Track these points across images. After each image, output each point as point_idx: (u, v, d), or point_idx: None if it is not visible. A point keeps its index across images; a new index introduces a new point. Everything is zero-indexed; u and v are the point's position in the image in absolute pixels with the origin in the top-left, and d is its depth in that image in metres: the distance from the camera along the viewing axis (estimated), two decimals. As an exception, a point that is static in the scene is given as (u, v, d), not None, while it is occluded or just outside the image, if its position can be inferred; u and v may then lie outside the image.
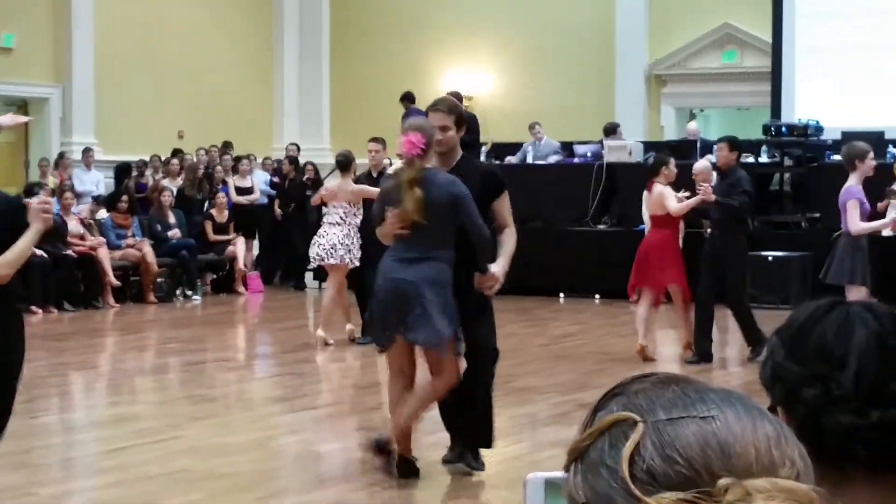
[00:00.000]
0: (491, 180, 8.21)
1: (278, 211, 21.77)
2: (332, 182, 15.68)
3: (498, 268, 7.98)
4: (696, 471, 1.15)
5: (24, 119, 9.05)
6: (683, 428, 1.18)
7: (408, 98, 21.38)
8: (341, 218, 14.50)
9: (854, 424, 1.77)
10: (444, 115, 8.03)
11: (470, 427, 8.22)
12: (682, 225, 13.74)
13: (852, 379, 1.80)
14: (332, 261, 14.46)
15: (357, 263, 14.26)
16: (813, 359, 1.83)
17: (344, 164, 14.71)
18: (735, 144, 13.66)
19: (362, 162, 15.62)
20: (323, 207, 15.09)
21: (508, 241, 8.17)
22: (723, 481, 1.14)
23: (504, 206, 8.22)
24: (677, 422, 1.18)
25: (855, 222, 11.60)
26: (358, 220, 14.44)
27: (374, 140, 14.66)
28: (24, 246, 6.23)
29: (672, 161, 13.52)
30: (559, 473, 1.38)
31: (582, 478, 1.21)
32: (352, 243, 14.41)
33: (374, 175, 14.15)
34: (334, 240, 14.46)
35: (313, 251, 14.72)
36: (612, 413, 1.22)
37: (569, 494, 1.23)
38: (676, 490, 1.14)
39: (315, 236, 14.87)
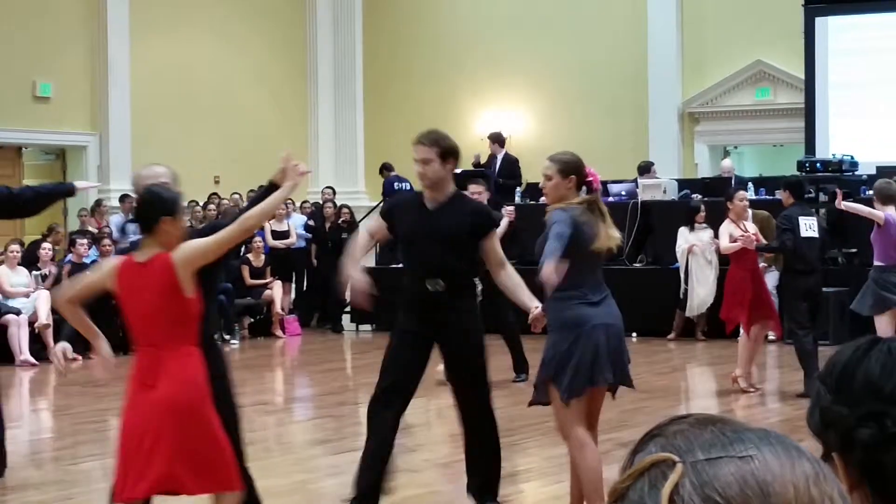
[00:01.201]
0: (481, 217, 8.07)
1: (314, 259, 21.88)
2: None
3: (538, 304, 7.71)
4: None
5: (93, 185, 9.32)
6: (722, 468, 1.19)
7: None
8: None
9: None
10: (427, 148, 7.87)
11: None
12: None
13: None
14: None
15: None
16: (862, 398, 1.81)
17: None
18: (786, 185, 13.89)
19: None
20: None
21: (519, 278, 7.95)
22: (761, 520, 1.16)
23: (497, 243, 8.01)
24: (716, 462, 1.20)
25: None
26: None
27: (476, 182, 13.78)
28: (275, 200, 6.33)
29: (740, 194, 13.90)
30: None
31: (623, 519, 1.23)
32: None
33: None
34: None
35: None
36: (651, 454, 1.24)
37: (610, 535, 1.25)
38: None
39: None
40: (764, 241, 13.82)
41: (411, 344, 7.87)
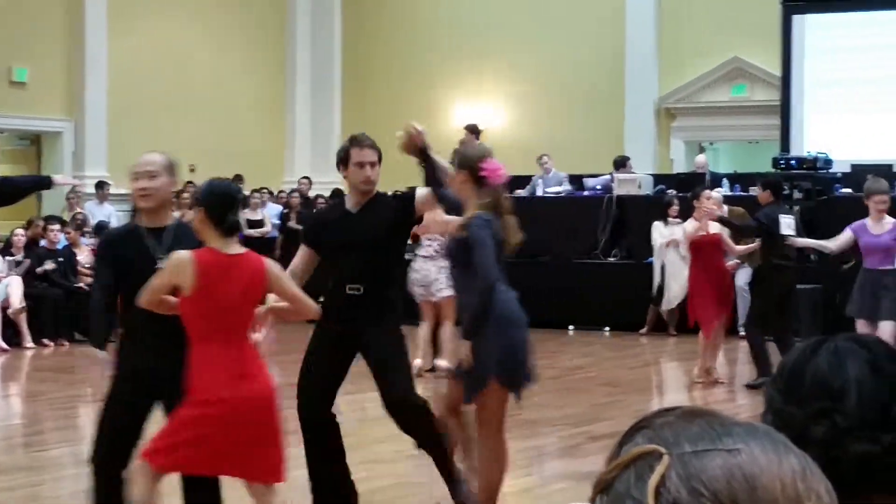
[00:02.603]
0: (400, 200, 7.96)
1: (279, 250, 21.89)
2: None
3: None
4: (721, 503, 1.17)
5: (74, 182, 9.24)
6: (709, 461, 1.19)
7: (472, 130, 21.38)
8: (435, 251, 13.73)
9: (868, 452, 1.78)
10: (374, 151, 7.82)
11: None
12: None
13: (856, 408, 1.81)
14: (432, 298, 13.79)
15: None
16: (812, 397, 1.84)
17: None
18: (765, 184, 13.88)
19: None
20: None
21: None
22: (748, 514, 1.15)
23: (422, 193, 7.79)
24: (703, 454, 1.20)
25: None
26: None
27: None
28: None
29: (706, 192, 13.92)
30: (581, 505, 1.40)
31: (607, 510, 1.23)
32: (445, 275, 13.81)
33: None
34: (432, 275, 13.81)
35: (416, 289, 14.03)
36: (638, 446, 1.24)
37: (595, 526, 1.25)
38: None
39: (412, 273, 13.98)
40: (732, 245, 13.94)
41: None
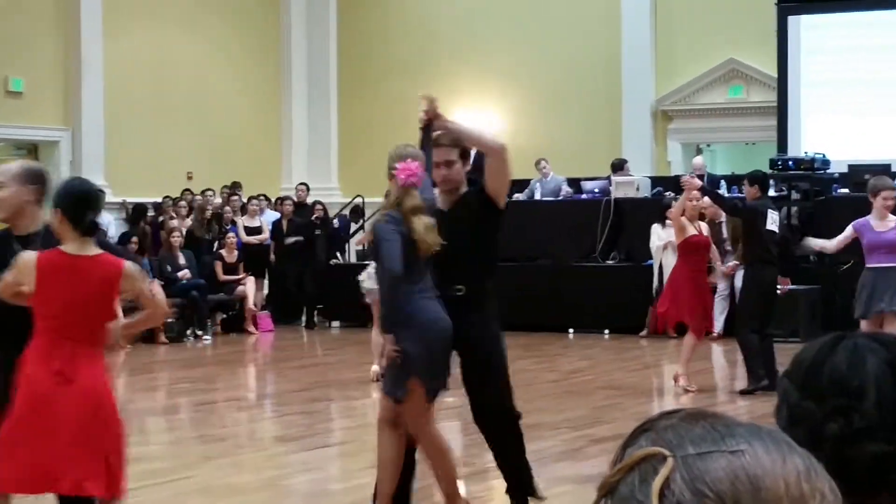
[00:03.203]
0: (482, 192, 7.76)
1: (273, 256, 21.94)
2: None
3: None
4: None
5: None
6: (713, 462, 1.19)
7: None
8: None
9: (885, 452, 1.77)
10: (448, 149, 7.71)
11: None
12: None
13: (874, 408, 1.80)
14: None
15: None
16: (829, 394, 1.82)
17: None
18: (752, 180, 13.82)
19: (370, 201, 15.62)
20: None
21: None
22: (752, 514, 1.15)
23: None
24: (707, 456, 1.20)
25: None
26: None
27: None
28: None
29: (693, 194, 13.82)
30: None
31: (612, 513, 1.23)
32: None
33: None
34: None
35: (367, 284, 14.21)
36: (642, 448, 1.24)
37: (599, 529, 1.25)
38: None
39: (364, 273, 14.37)
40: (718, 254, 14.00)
41: None
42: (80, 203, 6.17)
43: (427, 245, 7.22)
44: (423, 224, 7.21)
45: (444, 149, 7.71)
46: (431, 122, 7.66)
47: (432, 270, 7.45)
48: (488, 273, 7.72)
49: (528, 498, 7.90)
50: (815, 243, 13.47)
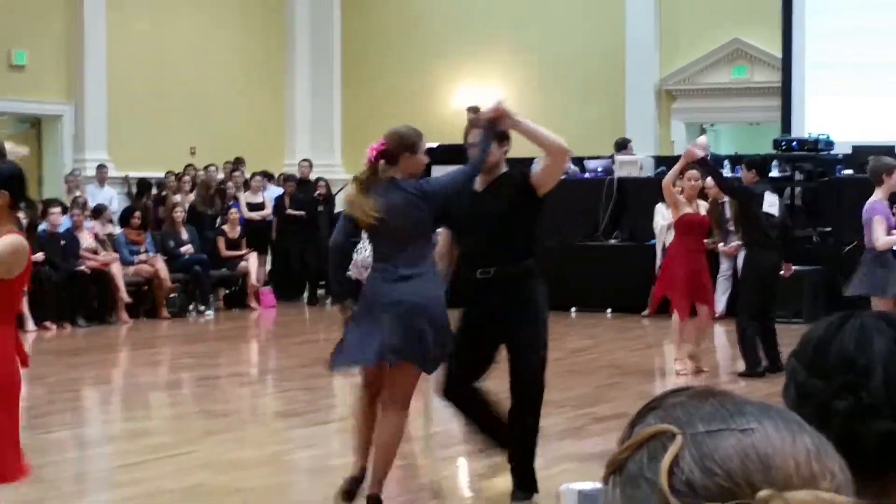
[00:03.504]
0: (524, 178, 7.85)
1: (274, 233, 21.95)
2: None
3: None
4: (735, 483, 1.16)
5: (23, 151, 8.92)
6: (723, 440, 1.19)
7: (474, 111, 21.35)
8: None
9: (892, 430, 1.78)
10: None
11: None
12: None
13: (882, 387, 1.80)
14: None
15: None
16: (837, 371, 1.83)
17: None
18: (750, 164, 13.76)
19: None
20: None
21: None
22: (763, 493, 1.15)
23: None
24: (716, 434, 1.19)
25: (879, 237, 11.60)
26: None
27: None
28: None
29: (689, 173, 13.63)
30: (591, 485, 1.40)
31: (620, 491, 1.22)
32: None
33: None
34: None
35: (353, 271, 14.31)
36: (650, 426, 1.24)
37: (607, 507, 1.25)
38: (716, 502, 1.15)
39: (354, 253, 14.46)
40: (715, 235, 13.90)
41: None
42: (23, 185, 6.10)
43: (361, 223, 7.55)
44: (357, 202, 7.42)
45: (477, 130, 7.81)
46: (497, 119, 7.69)
47: (469, 251, 7.59)
48: (521, 256, 7.72)
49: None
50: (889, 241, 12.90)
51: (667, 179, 13.39)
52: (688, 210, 13.38)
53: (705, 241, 13.95)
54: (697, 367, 13.42)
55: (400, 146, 7.50)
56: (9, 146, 8.43)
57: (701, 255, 13.54)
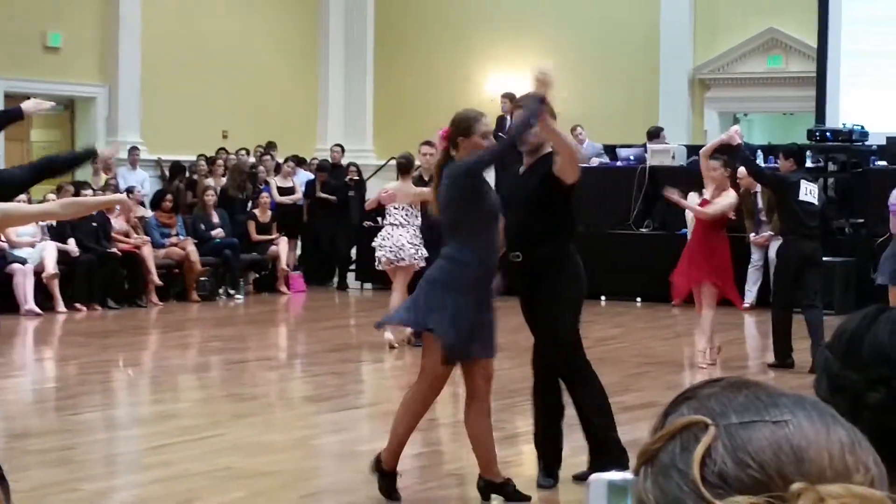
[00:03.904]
0: (550, 170, 7.84)
1: (305, 216, 21.98)
2: (392, 184, 15.33)
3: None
4: (768, 475, 1.15)
5: (47, 105, 8.90)
6: (756, 432, 1.17)
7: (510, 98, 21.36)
8: (404, 219, 14.30)
9: None
10: None
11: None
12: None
13: None
14: (401, 263, 14.18)
15: (423, 263, 13.73)
16: (871, 364, 1.82)
17: (405, 166, 14.44)
18: (788, 153, 13.66)
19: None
20: (386, 209, 14.82)
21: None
22: (796, 486, 1.13)
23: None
24: (750, 426, 1.18)
25: None
26: (419, 222, 14.34)
27: (427, 143, 14.06)
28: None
29: (711, 164, 13.50)
30: (620, 475, 1.38)
31: (652, 481, 1.21)
32: (419, 243, 14.21)
33: (426, 179, 13.54)
34: (402, 241, 14.20)
35: (380, 253, 14.47)
36: (683, 416, 1.22)
37: (638, 498, 1.23)
38: (748, 494, 1.14)
39: (378, 238, 14.64)
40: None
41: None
42: None
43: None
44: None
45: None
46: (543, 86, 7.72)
47: (509, 234, 7.65)
48: (547, 240, 7.71)
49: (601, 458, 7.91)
50: None
51: (705, 149, 13.32)
52: (706, 197, 13.33)
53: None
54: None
55: (455, 129, 7.51)
56: (32, 102, 8.43)
57: (717, 242, 13.27)
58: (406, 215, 14.30)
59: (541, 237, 7.68)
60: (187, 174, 22.00)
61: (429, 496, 7.96)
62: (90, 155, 8.94)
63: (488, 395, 7.51)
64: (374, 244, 14.65)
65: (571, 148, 7.81)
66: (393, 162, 23.60)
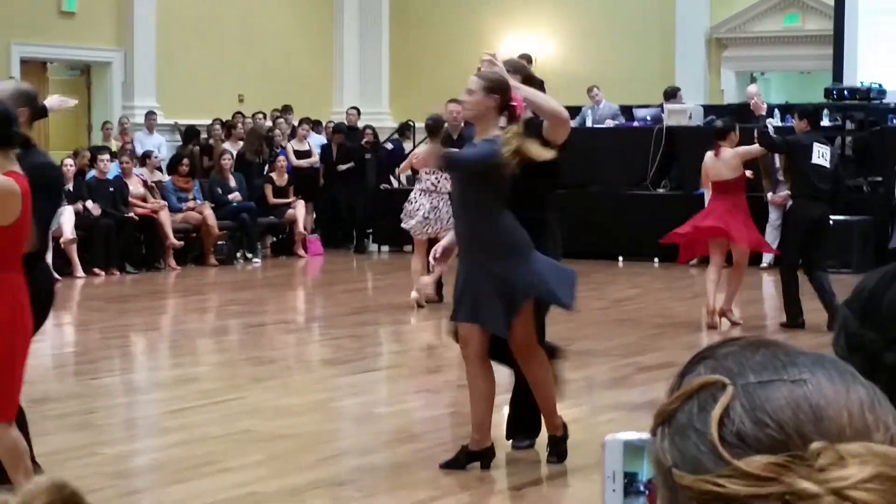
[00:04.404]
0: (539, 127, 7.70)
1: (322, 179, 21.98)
2: (422, 148, 15.04)
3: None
4: (787, 434, 1.14)
5: (71, 103, 8.88)
6: (774, 391, 1.17)
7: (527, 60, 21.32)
8: (433, 184, 14.04)
9: None
10: (476, 80, 7.53)
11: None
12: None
13: None
14: (425, 236, 14.00)
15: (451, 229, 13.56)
16: (889, 323, 1.81)
17: (433, 128, 13.82)
18: (802, 113, 13.58)
19: (421, 126, 15.56)
20: (416, 174, 14.66)
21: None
22: (815, 445, 1.13)
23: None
24: (768, 385, 1.17)
25: None
26: (449, 186, 14.22)
27: (454, 101, 13.65)
28: None
29: (737, 127, 13.46)
30: (637, 435, 1.38)
31: (669, 441, 1.20)
32: (443, 211, 13.84)
33: (455, 137, 13.06)
34: (424, 212, 14.06)
35: (408, 223, 14.27)
36: (701, 376, 1.21)
37: (656, 458, 1.22)
38: (767, 453, 1.13)
39: (406, 203, 14.43)
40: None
41: None
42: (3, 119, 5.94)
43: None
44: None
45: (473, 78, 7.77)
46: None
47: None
48: (529, 206, 7.62)
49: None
50: None
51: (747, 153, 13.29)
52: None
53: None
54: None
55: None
56: (56, 98, 8.44)
57: (731, 203, 13.26)
58: (436, 180, 13.99)
59: (523, 202, 7.56)
60: (204, 137, 21.99)
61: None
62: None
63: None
64: (404, 213, 14.37)
65: (554, 108, 7.68)
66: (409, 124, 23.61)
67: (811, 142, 13.06)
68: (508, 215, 7.35)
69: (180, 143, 22.21)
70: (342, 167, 21.75)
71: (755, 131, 13.63)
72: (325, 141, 22.58)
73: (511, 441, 8.01)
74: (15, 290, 5.87)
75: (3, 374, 5.86)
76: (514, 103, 7.33)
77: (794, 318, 13.01)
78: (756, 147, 13.15)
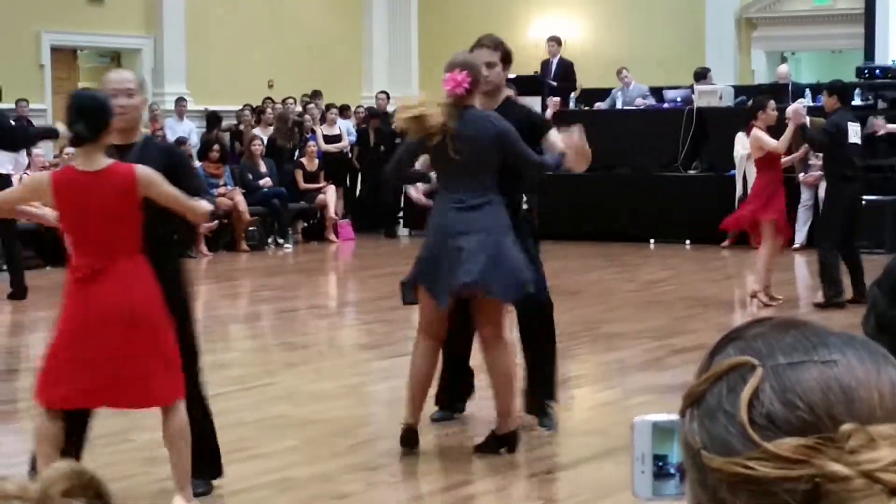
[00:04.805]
0: (536, 121, 7.82)
1: (356, 162, 21.99)
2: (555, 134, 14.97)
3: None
4: (817, 416, 1.13)
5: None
6: (804, 372, 1.16)
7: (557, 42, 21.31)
8: None
9: None
10: (490, 51, 7.67)
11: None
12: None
13: None
14: None
15: None
16: None
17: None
18: (832, 90, 13.52)
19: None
20: None
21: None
22: (846, 427, 1.12)
23: (556, 136, 7.64)
24: (798, 366, 1.16)
25: None
26: None
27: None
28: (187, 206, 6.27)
29: (771, 104, 13.40)
30: (666, 416, 1.37)
31: (698, 423, 1.20)
32: None
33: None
34: None
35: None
36: (730, 357, 1.20)
37: (685, 440, 1.22)
38: (797, 435, 1.12)
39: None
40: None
41: None
42: (70, 114, 5.99)
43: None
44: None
45: (486, 50, 7.70)
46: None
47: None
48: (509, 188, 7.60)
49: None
50: None
51: (779, 147, 13.17)
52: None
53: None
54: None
55: (479, 79, 7.45)
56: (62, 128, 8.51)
57: (772, 183, 13.35)
58: None
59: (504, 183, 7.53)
60: (234, 123, 22.01)
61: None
62: (53, 133, 8.85)
63: None
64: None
65: (586, 158, 7.62)
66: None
67: (846, 122, 13.05)
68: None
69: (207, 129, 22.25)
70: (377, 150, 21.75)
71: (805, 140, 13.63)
72: (351, 126, 22.57)
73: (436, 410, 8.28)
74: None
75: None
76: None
77: (833, 298, 12.95)
78: (770, 142, 13.08)
